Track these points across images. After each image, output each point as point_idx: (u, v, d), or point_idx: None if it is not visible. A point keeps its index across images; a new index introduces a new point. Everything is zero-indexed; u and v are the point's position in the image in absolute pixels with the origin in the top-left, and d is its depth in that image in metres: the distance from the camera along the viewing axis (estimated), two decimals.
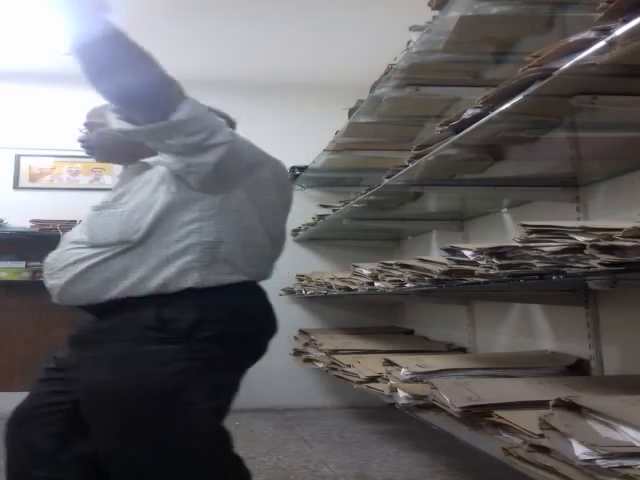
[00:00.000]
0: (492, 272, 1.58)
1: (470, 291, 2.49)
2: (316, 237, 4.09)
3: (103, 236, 1.33)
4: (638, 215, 1.21)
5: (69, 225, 3.14)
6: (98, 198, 1.44)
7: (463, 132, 1.79)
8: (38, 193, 4.10)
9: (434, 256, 2.32)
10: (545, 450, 1.31)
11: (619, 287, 1.41)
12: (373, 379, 2.49)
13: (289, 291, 3.95)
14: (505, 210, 2.71)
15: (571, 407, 1.33)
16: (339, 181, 4.13)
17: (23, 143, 4.08)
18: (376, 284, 2.55)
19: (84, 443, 1.30)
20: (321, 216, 3.58)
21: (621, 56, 1.21)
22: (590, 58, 1.24)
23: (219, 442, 1.32)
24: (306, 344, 3.69)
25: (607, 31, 1.20)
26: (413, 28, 2.24)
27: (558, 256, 1.33)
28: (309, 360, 3.53)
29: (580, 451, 1.18)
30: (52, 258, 1.39)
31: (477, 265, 1.67)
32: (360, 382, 2.56)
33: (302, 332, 3.93)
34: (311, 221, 3.77)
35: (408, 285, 2.18)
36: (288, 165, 4.11)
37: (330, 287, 3.25)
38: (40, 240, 3.31)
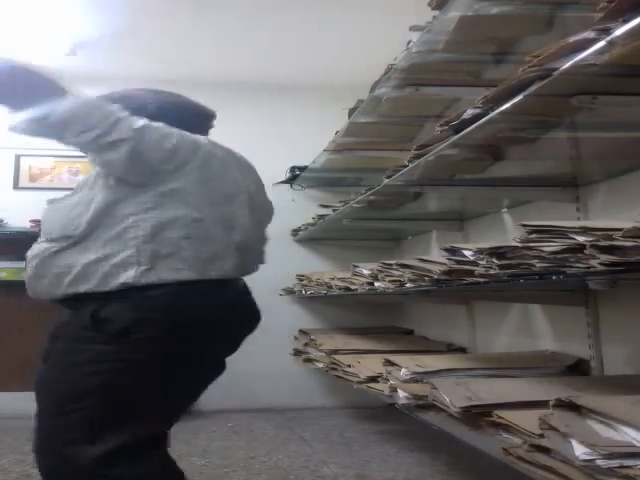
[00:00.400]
0: (492, 272, 1.58)
1: (470, 291, 2.49)
2: (316, 237, 4.09)
3: (50, 231, 1.34)
4: (638, 215, 1.21)
5: None
6: None
7: (463, 132, 1.79)
8: (38, 193, 4.09)
9: (434, 256, 2.32)
10: (545, 450, 1.31)
11: (619, 287, 1.42)
12: (373, 379, 2.49)
13: (289, 291, 3.95)
14: (505, 210, 2.71)
15: (571, 407, 1.33)
16: (339, 181, 4.13)
17: (23, 143, 4.08)
18: (376, 284, 2.55)
19: None
20: (321, 216, 3.58)
21: (621, 56, 1.21)
22: (590, 58, 1.24)
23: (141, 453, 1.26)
24: (306, 344, 3.69)
25: (607, 31, 1.20)
26: (413, 28, 2.24)
27: (558, 256, 1.33)
28: (309, 360, 3.53)
29: (580, 451, 1.18)
30: (29, 252, 1.40)
31: (477, 265, 1.67)
32: (360, 382, 2.56)
33: (302, 332, 3.93)
34: (311, 221, 3.77)
35: (408, 285, 2.18)
36: (288, 165, 4.18)
37: (330, 287, 3.25)
38: None
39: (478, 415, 1.62)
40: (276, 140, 4.11)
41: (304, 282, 3.78)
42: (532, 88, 1.42)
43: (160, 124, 1.33)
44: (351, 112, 3.09)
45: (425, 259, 2.11)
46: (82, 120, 1.24)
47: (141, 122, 1.28)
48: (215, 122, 1.59)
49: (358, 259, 3.00)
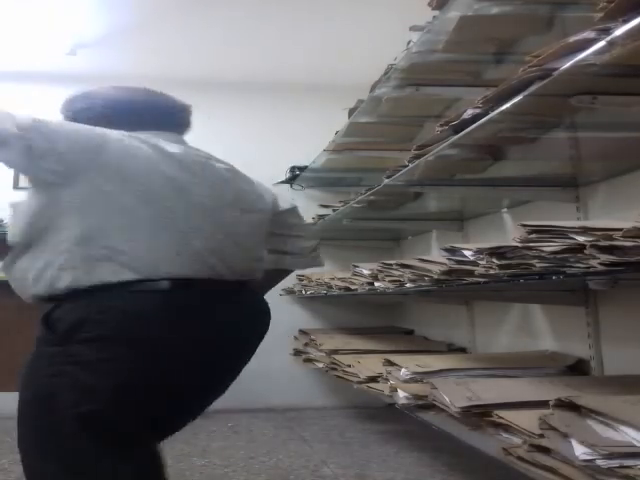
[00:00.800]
0: (492, 272, 1.58)
1: (470, 291, 2.49)
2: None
3: (11, 236, 1.33)
4: (638, 215, 1.21)
5: None
6: None
7: (463, 132, 1.79)
8: None
9: (434, 256, 2.32)
10: (545, 450, 1.31)
11: (619, 287, 1.42)
12: (373, 379, 2.49)
13: (289, 291, 3.95)
14: (505, 210, 2.71)
15: (571, 407, 1.33)
16: (339, 181, 4.13)
17: None
18: (376, 284, 2.55)
19: None
20: (321, 216, 3.58)
21: (621, 56, 1.21)
22: (590, 58, 1.24)
23: (85, 451, 1.22)
24: (306, 344, 3.69)
25: (607, 31, 1.20)
26: (413, 28, 2.24)
27: (558, 256, 1.33)
28: (309, 360, 3.53)
29: (580, 451, 1.18)
30: None
31: (477, 265, 1.67)
32: (360, 382, 2.56)
33: (302, 332, 3.93)
34: (311, 221, 3.76)
35: (408, 285, 2.18)
36: (288, 165, 4.17)
37: (330, 287, 3.25)
38: None
39: (478, 415, 1.62)
40: (276, 140, 4.11)
41: (304, 282, 3.78)
42: (532, 88, 1.42)
43: (56, 125, 1.28)
44: (351, 112, 3.09)
45: (425, 259, 2.11)
46: None
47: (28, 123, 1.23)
48: (191, 117, 1.51)
49: (358, 259, 3.00)
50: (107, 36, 3.45)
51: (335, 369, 2.99)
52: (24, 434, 1.27)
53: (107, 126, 1.33)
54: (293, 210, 1.64)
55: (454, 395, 1.72)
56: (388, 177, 2.43)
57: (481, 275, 1.64)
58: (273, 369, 3.83)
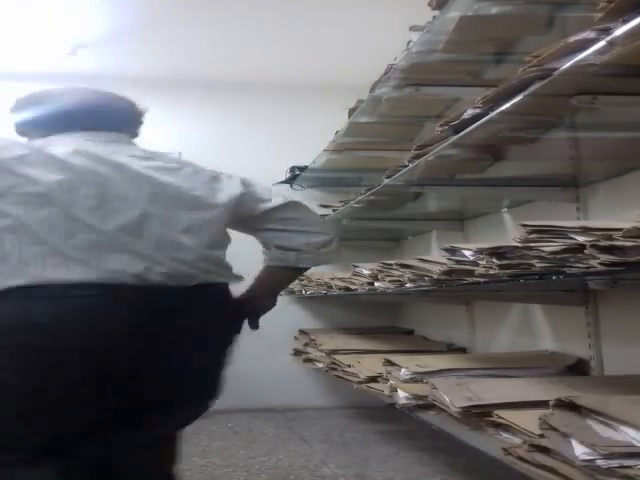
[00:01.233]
0: (492, 272, 1.58)
1: (470, 291, 2.49)
2: None
3: None
4: (638, 215, 1.21)
5: None
6: None
7: (463, 132, 1.79)
8: None
9: (434, 256, 2.32)
10: (545, 450, 1.31)
11: (619, 287, 1.42)
12: (373, 379, 2.50)
13: (289, 291, 3.95)
14: (505, 210, 2.71)
15: (571, 407, 1.33)
16: (339, 181, 4.13)
17: None
18: (376, 284, 2.55)
19: None
20: (321, 216, 3.58)
21: (621, 56, 1.21)
22: (590, 58, 1.24)
23: None
24: (306, 344, 3.69)
25: (607, 31, 1.20)
26: (413, 28, 2.24)
27: (558, 256, 1.33)
28: (309, 360, 3.53)
29: (580, 451, 1.18)
30: None
31: (477, 265, 1.67)
32: (360, 382, 2.56)
33: (302, 332, 3.93)
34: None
35: (408, 285, 2.18)
36: (288, 165, 4.18)
37: (330, 287, 3.25)
38: None
39: (478, 415, 1.62)
40: (276, 140, 4.10)
41: (304, 282, 3.77)
42: (532, 88, 1.42)
43: None
44: (351, 112, 3.09)
45: (425, 259, 2.11)
46: None
47: None
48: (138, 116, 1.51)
49: (358, 259, 3.00)
50: (107, 36, 3.45)
51: (335, 369, 2.99)
52: None
53: (33, 129, 1.47)
54: (287, 205, 1.53)
55: (454, 395, 1.72)
56: (388, 177, 2.43)
57: (481, 275, 1.64)
58: (273, 369, 3.83)
